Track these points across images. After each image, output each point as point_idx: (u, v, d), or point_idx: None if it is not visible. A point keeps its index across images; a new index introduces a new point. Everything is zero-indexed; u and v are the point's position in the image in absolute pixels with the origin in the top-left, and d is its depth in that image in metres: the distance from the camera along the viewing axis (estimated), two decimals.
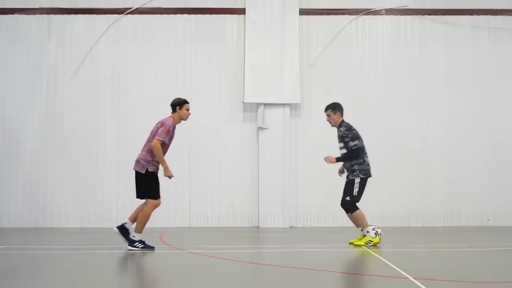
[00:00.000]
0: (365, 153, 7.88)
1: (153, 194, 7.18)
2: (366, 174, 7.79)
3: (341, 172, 8.15)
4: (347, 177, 7.86)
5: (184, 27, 11.13)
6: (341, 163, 7.99)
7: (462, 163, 10.91)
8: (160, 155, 7.12)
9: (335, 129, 10.93)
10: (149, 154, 7.16)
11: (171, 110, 7.44)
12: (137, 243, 7.06)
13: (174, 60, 11.07)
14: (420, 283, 4.89)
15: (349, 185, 7.78)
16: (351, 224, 10.74)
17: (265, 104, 10.79)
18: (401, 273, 5.40)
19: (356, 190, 7.69)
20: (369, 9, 11.17)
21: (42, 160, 10.79)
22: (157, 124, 7.27)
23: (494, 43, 11.15)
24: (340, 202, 7.82)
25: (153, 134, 7.20)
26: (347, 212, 7.79)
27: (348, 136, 7.74)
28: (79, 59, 10.94)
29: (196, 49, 11.09)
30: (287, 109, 10.85)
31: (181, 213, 10.69)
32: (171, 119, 7.31)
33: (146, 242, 7.10)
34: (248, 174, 10.80)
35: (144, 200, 7.29)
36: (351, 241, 7.76)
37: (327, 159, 7.82)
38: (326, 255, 6.93)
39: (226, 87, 10.96)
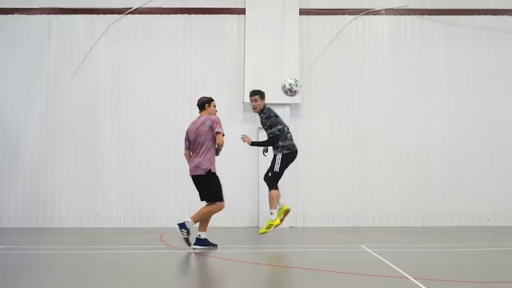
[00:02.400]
0: (287, 133, 8.08)
1: (220, 196, 7.21)
2: (290, 149, 7.98)
3: (265, 151, 8.36)
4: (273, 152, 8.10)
5: (184, 27, 11.13)
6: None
7: (462, 163, 10.92)
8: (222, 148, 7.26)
9: (335, 129, 11.06)
10: (209, 153, 7.14)
11: (198, 110, 7.47)
12: (203, 241, 7.17)
13: (174, 60, 11.07)
14: (420, 283, 4.89)
15: (272, 160, 8.00)
16: (351, 224, 10.82)
17: (265, 104, 10.77)
18: (401, 273, 5.40)
19: (278, 166, 7.87)
20: (369, 9, 11.17)
21: (42, 160, 10.79)
22: (201, 125, 7.20)
23: (494, 43, 11.15)
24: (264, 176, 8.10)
25: (202, 133, 7.15)
26: (269, 187, 7.94)
27: (267, 124, 7.96)
28: (79, 59, 10.95)
29: (196, 49, 11.09)
30: (287, 109, 10.85)
31: (181, 213, 10.67)
32: (209, 116, 7.31)
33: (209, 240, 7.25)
34: (248, 174, 10.80)
35: None
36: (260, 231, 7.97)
37: (244, 138, 7.94)
38: (326, 255, 6.92)
39: (226, 87, 10.97)
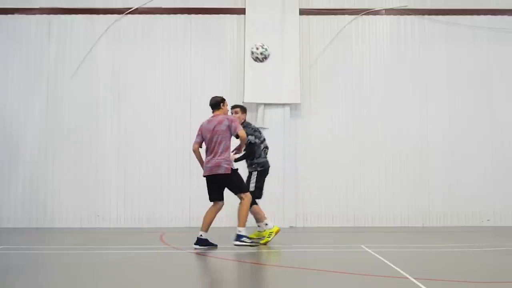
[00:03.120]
0: (265, 150, 8.11)
1: (245, 187, 7.46)
2: (264, 166, 7.99)
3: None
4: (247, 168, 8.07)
5: (184, 27, 11.13)
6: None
7: (462, 163, 10.92)
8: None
9: (335, 129, 11.06)
10: (226, 152, 7.24)
11: (211, 110, 7.55)
12: (244, 237, 7.21)
13: (174, 60, 11.07)
14: (420, 283, 4.89)
15: (247, 179, 7.96)
16: (351, 224, 10.82)
17: (265, 104, 10.80)
18: (401, 273, 5.41)
19: (253, 184, 7.86)
20: (369, 9, 11.17)
21: (42, 160, 10.79)
22: (218, 124, 7.26)
23: (494, 43, 11.15)
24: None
25: (219, 133, 7.21)
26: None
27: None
28: (79, 59, 10.95)
29: (196, 49, 11.09)
30: (287, 109, 10.86)
31: (181, 213, 10.70)
32: (226, 115, 7.45)
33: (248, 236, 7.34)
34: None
35: None
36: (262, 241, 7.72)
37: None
38: (326, 255, 6.92)
39: (226, 87, 10.96)
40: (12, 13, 11.04)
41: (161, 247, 7.75)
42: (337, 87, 11.10)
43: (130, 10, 11.03)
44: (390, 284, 5.07)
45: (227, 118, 7.30)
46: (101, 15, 11.06)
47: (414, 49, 11.19)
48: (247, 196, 7.31)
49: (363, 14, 11.17)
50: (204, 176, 7.34)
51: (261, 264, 6.37)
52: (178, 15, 11.14)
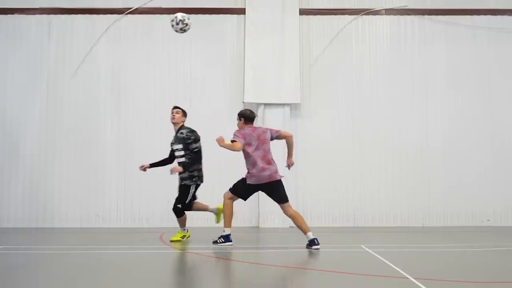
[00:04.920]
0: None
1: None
2: (201, 181, 7.96)
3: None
4: (182, 180, 7.86)
5: None
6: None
7: (462, 163, 10.92)
8: None
9: (335, 129, 11.06)
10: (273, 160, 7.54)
11: (250, 122, 7.66)
12: (314, 239, 7.25)
13: (174, 60, 11.07)
14: (420, 283, 4.89)
15: (184, 191, 7.85)
16: (351, 224, 10.82)
17: (265, 104, 10.79)
18: (401, 273, 5.41)
19: (189, 198, 7.85)
20: (369, 9, 11.17)
21: (42, 160, 10.79)
22: (263, 133, 7.54)
23: (494, 43, 11.15)
24: (173, 206, 7.93)
25: (267, 142, 7.55)
26: (177, 216, 7.99)
27: (191, 138, 7.78)
28: (79, 59, 10.95)
29: (196, 49, 11.09)
30: (287, 109, 10.85)
31: None
32: (267, 127, 7.90)
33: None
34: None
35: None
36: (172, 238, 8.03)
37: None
38: (326, 255, 6.92)
39: (226, 87, 10.97)
40: (12, 13, 11.04)
41: (161, 247, 7.75)
42: (337, 87, 11.10)
43: (130, 10, 11.03)
44: (390, 284, 5.07)
45: (269, 130, 7.69)
46: (101, 15, 11.06)
47: (414, 49, 11.19)
48: (289, 205, 7.50)
49: (363, 14, 11.17)
50: (261, 184, 7.43)
51: (261, 264, 6.37)
52: None
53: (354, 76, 11.12)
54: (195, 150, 7.78)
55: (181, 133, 7.83)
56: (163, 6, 11.09)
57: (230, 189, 7.58)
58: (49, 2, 11.06)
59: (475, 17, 11.20)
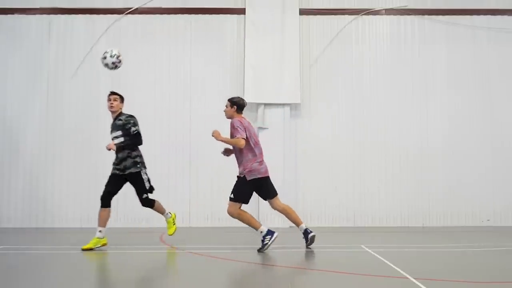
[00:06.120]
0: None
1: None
2: (145, 167, 7.63)
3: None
4: (125, 169, 7.49)
5: (184, 27, 11.13)
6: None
7: (462, 163, 10.92)
8: None
9: (335, 129, 11.06)
10: None
11: (241, 111, 7.55)
12: (307, 228, 7.39)
13: (174, 60, 11.07)
14: (420, 283, 4.89)
15: (138, 180, 7.53)
16: (351, 224, 10.81)
17: (265, 104, 10.79)
18: (401, 273, 5.41)
19: (147, 184, 7.58)
20: (369, 9, 11.17)
21: (42, 160, 10.79)
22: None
23: (494, 43, 11.15)
24: (102, 194, 7.54)
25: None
26: (151, 207, 7.74)
27: (130, 122, 7.50)
28: (79, 59, 10.95)
29: (196, 49, 11.09)
30: (287, 109, 10.86)
31: (181, 213, 10.67)
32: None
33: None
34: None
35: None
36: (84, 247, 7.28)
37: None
38: (326, 255, 6.93)
39: (226, 87, 10.96)
40: (12, 13, 11.03)
41: (161, 247, 7.75)
42: (337, 87, 11.10)
43: (130, 10, 11.03)
44: (390, 284, 5.07)
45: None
46: (101, 15, 11.06)
47: (414, 49, 11.19)
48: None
49: (363, 14, 11.17)
50: (260, 178, 7.26)
51: (261, 264, 6.37)
52: (178, 15, 11.14)
53: (354, 76, 11.12)
54: (135, 132, 7.48)
55: (120, 119, 7.54)
56: (163, 6, 11.09)
57: (233, 199, 7.21)
58: (49, 2, 11.06)
59: (475, 17, 11.20)
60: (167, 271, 5.93)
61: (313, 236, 7.32)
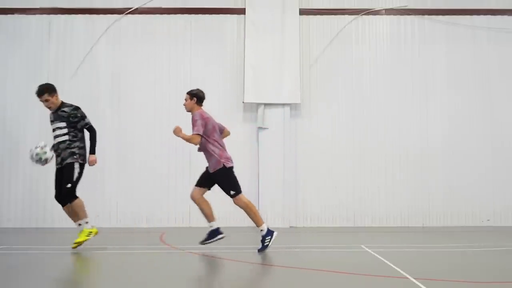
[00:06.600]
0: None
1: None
2: (84, 161, 7.29)
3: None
4: (62, 160, 7.15)
5: (184, 27, 11.13)
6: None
7: (462, 163, 10.92)
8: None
9: (335, 129, 11.06)
10: None
11: (201, 103, 7.56)
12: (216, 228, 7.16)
13: (174, 60, 11.08)
14: (420, 283, 4.89)
15: (68, 169, 7.11)
16: (351, 224, 10.81)
17: (265, 104, 10.79)
18: (401, 273, 5.41)
19: (76, 176, 7.16)
20: (369, 9, 11.17)
21: None
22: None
23: (494, 43, 11.15)
24: (55, 194, 7.24)
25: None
26: (64, 204, 7.21)
27: (78, 116, 7.31)
28: (79, 59, 10.95)
29: (196, 49, 11.10)
30: (287, 109, 10.86)
31: (181, 213, 10.69)
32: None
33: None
34: (248, 174, 10.78)
35: None
36: (74, 243, 7.12)
37: (90, 162, 7.34)
38: (326, 255, 6.93)
39: (226, 87, 10.97)
40: (12, 13, 11.04)
41: (161, 247, 7.75)
42: (337, 87, 11.10)
43: (130, 10, 11.03)
44: (390, 284, 5.07)
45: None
46: (101, 15, 11.06)
47: (414, 49, 11.19)
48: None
49: (363, 14, 11.17)
50: (231, 167, 7.10)
51: (261, 264, 6.37)
52: (178, 15, 11.14)
53: (354, 76, 11.12)
54: (87, 126, 7.32)
55: (63, 111, 7.29)
56: (163, 6, 11.09)
57: (236, 191, 7.02)
58: (49, 2, 11.06)
59: (475, 17, 11.21)
60: (167, 271, 5.92)
61: (219, 238, 7.06)
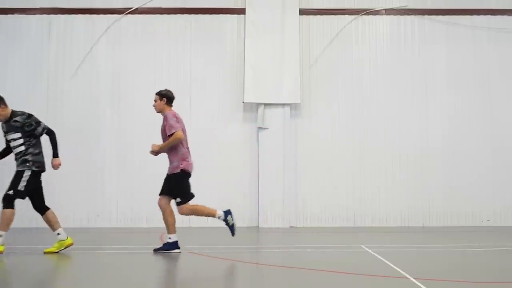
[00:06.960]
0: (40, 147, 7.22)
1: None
2: (40, 167, 7.11)
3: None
4: (16, 167, 7.05)
5: (184, 27, 11.13)
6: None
7: (462, 163, 10.92)
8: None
9: (335, 129, 11.06)
10: None
11: (171, 104, 7.46)
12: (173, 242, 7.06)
13: (174, 60, 11.07)
14: (420, 283, 4.89)
15: (15, 176, 6.99)
16: (351, 224, 10.81)
17: (265, 104, 10.79)
18: (401, 273, 5.41)
19: (23, 184, 6.94)
20: (369, 9, 11.17)
21: None
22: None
23: (494, 43, 11.15)
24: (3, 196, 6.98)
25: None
26: (43, 213, 7.21)
27: (33, 124, 7.11)
28: (79, 59, 10.94)
29: (196, 49, 11.09)
30: (287, 109, 10.86)
31: None
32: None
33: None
34: (248, 174, 10.79)
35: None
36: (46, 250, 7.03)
37: (54, 166, 7.27)
38: (326, 255, 6.92)
39: (226, 87, 10.97)
40: (12, 13, 11.03)
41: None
42: (337, 87, 11.10)
43: (130, 10, 11.03)
44: (390, 284, 5.07)
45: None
46: (101, 15, 11.05)
47: (414, 49, 11.19)
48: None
49: (363, 14, 11.17)
50: (190, 172, 7.08)
51: (261, 264, 6.37)
52: (178, 15, 11.14)
53: (354, 76, 11.12)
54: (45, 131, 7.15)
55: (16, 121, 7.07)
56: (163, 6, 11.09)
57: (182, 200, 6.94)
58: (49, 2, 11.06)
59: (475, 17, 11.20)
60: (167, 271, 5.92)
61: (175, 252, 6.88)
